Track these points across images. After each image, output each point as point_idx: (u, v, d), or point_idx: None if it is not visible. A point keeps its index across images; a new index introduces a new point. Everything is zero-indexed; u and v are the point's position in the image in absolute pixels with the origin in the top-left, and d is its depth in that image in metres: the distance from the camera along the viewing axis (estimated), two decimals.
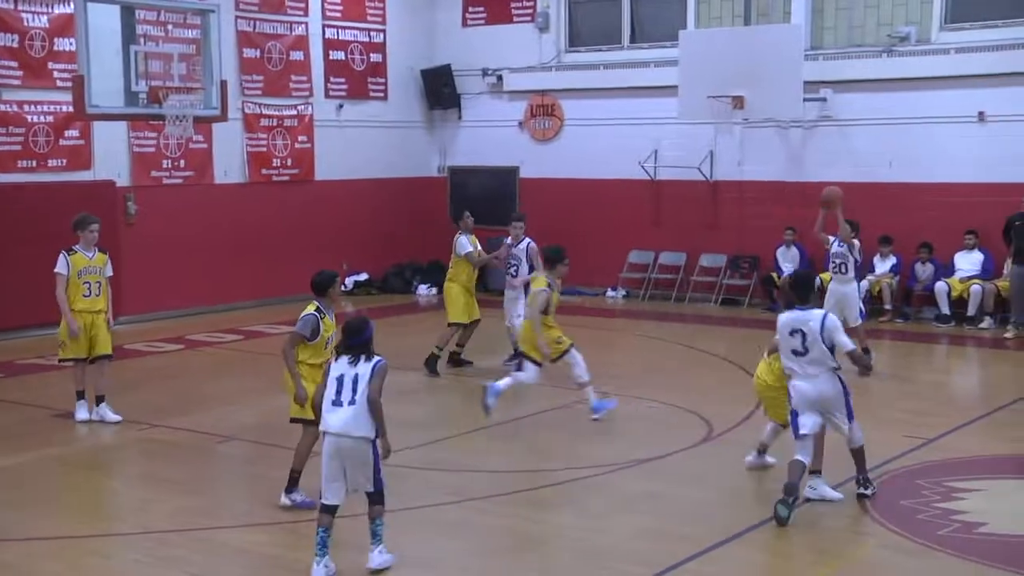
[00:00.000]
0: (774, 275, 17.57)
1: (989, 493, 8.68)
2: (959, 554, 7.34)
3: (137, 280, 16.29)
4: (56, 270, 10.54)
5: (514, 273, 13.06)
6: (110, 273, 10.90)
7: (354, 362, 6.91)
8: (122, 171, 16.32)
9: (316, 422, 7.33)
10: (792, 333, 8.01)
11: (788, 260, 17.60)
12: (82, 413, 10.72)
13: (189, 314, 16.97)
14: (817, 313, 8.03)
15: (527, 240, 13.24)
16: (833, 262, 13.02)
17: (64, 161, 15.65)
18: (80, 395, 10.78)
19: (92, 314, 10.68)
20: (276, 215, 18.28)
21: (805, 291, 8.14)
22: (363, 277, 19.75)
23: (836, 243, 12.99)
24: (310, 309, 8.15)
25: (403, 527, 8.04)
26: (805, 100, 16.62)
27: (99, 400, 10.80)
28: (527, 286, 11.96)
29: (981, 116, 16.27)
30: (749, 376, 11.92)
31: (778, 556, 7.50)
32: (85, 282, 10.59)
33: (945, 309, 16.19)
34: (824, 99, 17.28)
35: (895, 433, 10.12)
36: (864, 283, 16.73)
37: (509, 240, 13.31)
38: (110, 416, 10.72)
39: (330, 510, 6.99)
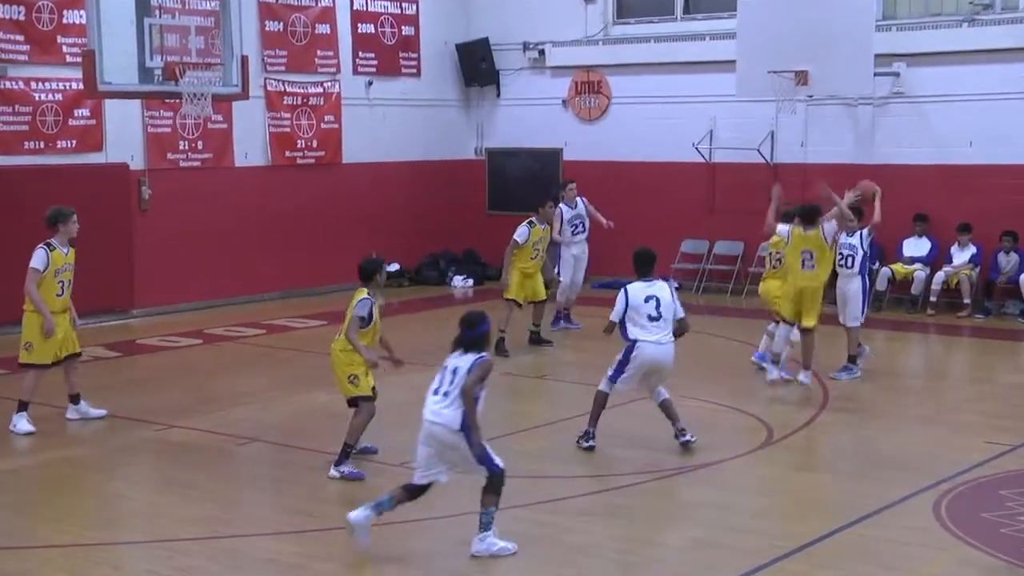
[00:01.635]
0: None
1: None
2: None
3: (152, 270, 16.46)
4: (33, 265, 10.36)
5: (582, 230, 15.29)
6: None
7: (462, 354, 7.46)
8: (136, 153, 16.45)
9: (372, 398, 8.93)
10: (647, 300, 9.43)
11: None
12: (25, 425, 10.46)
13: (207, 307, 17.09)
14: (662, 283, 9.59)
15: (581, 199, 15.45)
16: (840, 254, 12.43)
17: (74, 142, 15.80)
18: (24, 406, 10.52)
19: (59, 313, 10.57)
20: (300, 201, 18.36)
21: (644, 266, 9.71)
22: (394, 268, 19.76)
23: (845, 232, 12.31)
24: (363, 294, 9.04)
25: (437, 534, 8.07)
26: (876, 75, 16.45)
27: (76, 399, 10.88)
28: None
29: None
30: (813, 376, 11.83)
31: (841, 572, 7.42)
32: (60, 281, 10.53)
33: None
34: (897, 74, 17.09)
35: (975, 439, 10.01)
36: (940, 274, 16.57)
37: (565, 204, 15.23)
38: (93, 412, 10.85)
39: (409, 489, 7.49)
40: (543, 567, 7.42)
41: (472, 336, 7.48)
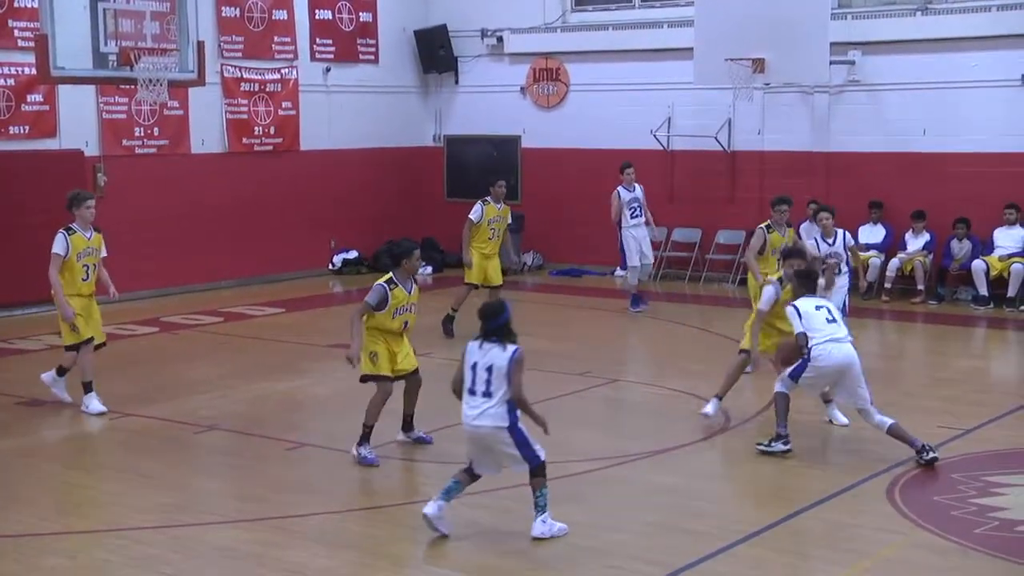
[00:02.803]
0: None
1: None
2: (997, 553, 7.33)
3: (108, 258, 16.23)
4: (54, 250, 10.39)
5: (639, 213, 15.74)
6: (105, 254, 10.87)
7: (488, 348, 7.38)
8: (90, 139, 16.29)
9: (388, 378, 8.99)
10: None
11: (812, 236, 17.52)
12: (97, 404, 10.59)
13: (164, 294, 16.97)
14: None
15: (638, 184, 15.84)
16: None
17: (27, 128, 15.61)
18: (90, 386, 10.64)
19: (87, 298, 10.62)
20: (258, 187, 18.26)
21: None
22: (352, 255, 19.73)
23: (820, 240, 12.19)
24: (382, 279, 9.04)
25: (394, 524, 8.06)
26: (832, 63, 16.56)
27: (89, 386, 10.75)
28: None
29: None
30: (767, 362, 11.94)
31: (799, 556, 7.50)
32: (84, 265, 10.56)
33: (983, 290, 16.18)
34: (852, 62, 17.22)
35: (928, 423, 10.12)
36: (895, 261, 16.77)
37: (623, 187, 15.75)
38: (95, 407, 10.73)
39: (471, 472, 7.57)
40: (501, 553, 7.43)
41: (496, 326, 7.39)
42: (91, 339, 10.66)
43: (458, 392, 7.55)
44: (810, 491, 8.45)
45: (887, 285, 16.73)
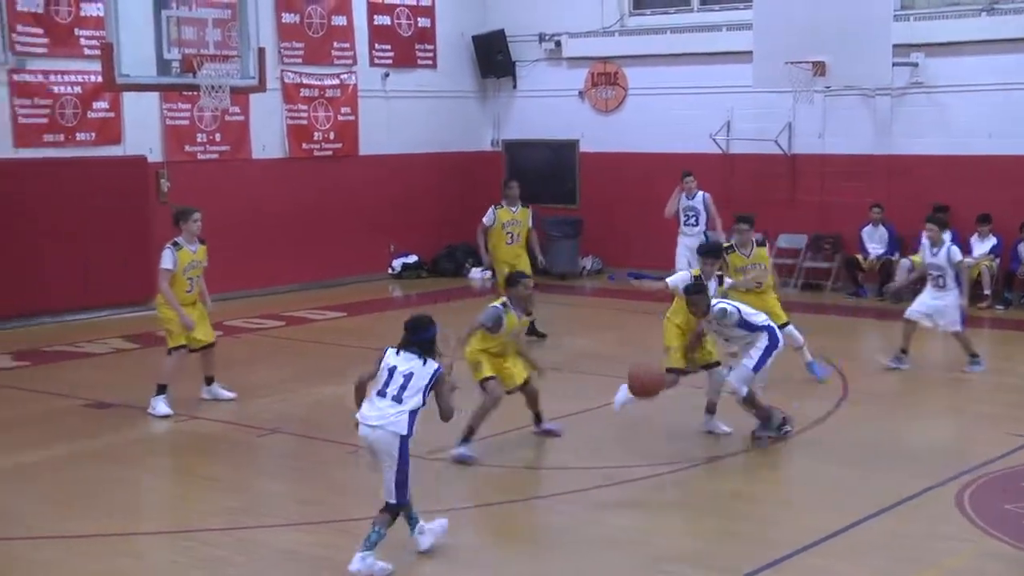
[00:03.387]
0: (859, 257, 17.37)
1: None
2: None
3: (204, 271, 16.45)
4: (163, 266, 10.75)
5: (694, 223, 15.41)
6: (206, 264, 11.22)
7: (408, 357, 7.22)
8: (154, 145, 16.49)
9: (494, 378, 9.29)
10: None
11: (875, 241, 17.39)
12: (164, 407, 10.77)
13: (226, 299, 16.98)
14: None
15: (702, 193, 15.49)
16: (930, 273, 12.28)
17: (93, 135, 15.84)
18: (163, 389, 10.85)
19: (190, 307, 11.00)
20: (317, 193, 18.38)
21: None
22: (411, 259, 19.81)
23: (928, 249, 12.20)
24: (498, 301, 9.41)
25: (458, 526, 8.07)
26: (894, 65, 16.33)
27: (210, 380, 11.33)
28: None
29: None
30: (831, 367, 11.82)
31: (863, 566, 7.39)
32: (189, 278, 10.90)
33: None
34: (915, 64, 17.01)
35: (996, 430, 9.97)
36: (905, 261, 16.37)
37: (681, 192, 15.55)
38: (225, 394, 11.32)
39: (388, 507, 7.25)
40: (563, 558, 7.42)
41: (419, 340, 7.24)
42: (208, 345, 11.15)
43: (360, 390, 7.32)
44: (876, 499, 8.33)
45: None
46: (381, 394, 7.20)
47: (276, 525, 8.01)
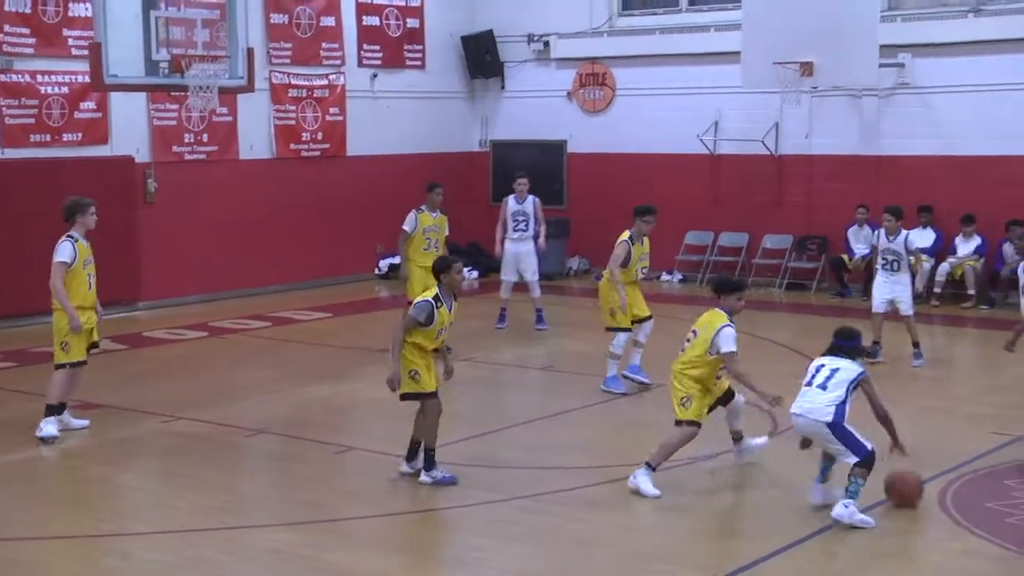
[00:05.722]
0: (845, 257, 17.44)
1: None
2: None
3: (157, 263, 16.48)
4: (61, 259, 9.87)
5: (524, 228, 14.73)
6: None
7: (836, 359, 8.13)
8: (141, 146, 16.47)
9: (434, 393, 8.58)
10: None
11: (861, 241, 17.44)
12: (52, 428, 10.00)
13: (213, 299, 17.12)
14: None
15: (533, 197, 14.94)
16: (884, 258, 12.91)
17: (80, 135, 15.82)
18: (57, 409, 10.06)
19: (89, 310, 10.13)
20: (305, 193, 18.37)
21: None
22: (398, 260, 19.75)
23: (884, 236, 12.89)
24: (428, 295, 8.68)
25: (441, 526, 8.10)
26: (881, 66, 16.41)
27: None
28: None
29: None
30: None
31: (846, 563, 7.45)
32: (89, 273, 10.10)
33: None
34: (902, 64, 17.08)
35: (981, 429, 10.03)
36: (945, 265, 16.62)
37: (513, 197, 14.93)
38: (75, 423, 10.37)
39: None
40: (550, 557, 7.45)
41: (848, 346, 8.21)
42: (84, 362, 10.18)
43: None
44: (863, 495, 8.34)
45: (937, 290, 16.57)
46: (808, 384, 8.08)
47: (262, 525, 8.03)
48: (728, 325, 8.71)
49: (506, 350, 13.82)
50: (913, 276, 13.41)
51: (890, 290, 12.86)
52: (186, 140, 16.97)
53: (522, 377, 12.84)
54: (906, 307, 12.86)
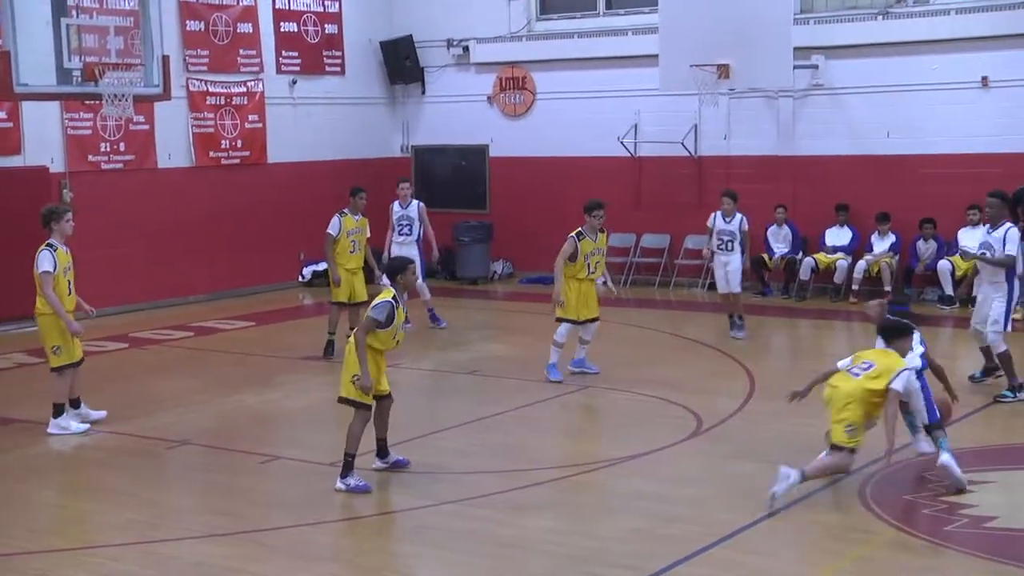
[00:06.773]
0: (765, 257, 17.65)
1: (999, 485, 8.78)
2: (967, 550, 7.40)
3: (76, 274, 16.13)
4: (43, 269, 10.22)
5: (408, 232, 15.01)
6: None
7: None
8: (56, 156, 16.17)
9: (369, 406, 8.52)
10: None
11: (780, 240, 17.70)
12: (78, 424, 10.52)
13: (134, 310, 16.86)
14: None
15: (417, 201, 15.35)
16: (720, 239, 14.28)
17: None
18: (65, 406, 10.52)
19: (72, 313, 10.50)
20: (226, 201, 18.18)
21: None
22: (322, 267, 19.61)
23: (720, 218, 14.24)
24: (387, 296, 8.64)
25: (370, 533, 8.05)
26: (795, 68, 16.68)
27: (77, 403, 10.73)
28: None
29: (984, 82, 16.40)
30: (739, 365, 12.02)
31: (772, 557, 7.52)
32: (69, 280, 10.47)
33: (949, 290, 16.31)
34: (816, 66, 17.35)
35: (898, 423, 10.15)
36: (862, 263, 16.91)
37: (397, 202, 15.20)
38: (94, 415, 10.79)
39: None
40: (478, 562, 7.43)
41: (895, 335, 8.93)
42: (81, 360, 10.62)
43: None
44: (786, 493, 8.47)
45: (854, 287, 16.85)
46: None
47: (186, 538, 7.90)
48: (907, 369, 8.70)
49: (431, 355, 13.78)
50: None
51: (726, 273, 14.22)
52: (102, 149, 16.69)
53: (446, 382, 12.80)
54: (735, 284, 14.19)
